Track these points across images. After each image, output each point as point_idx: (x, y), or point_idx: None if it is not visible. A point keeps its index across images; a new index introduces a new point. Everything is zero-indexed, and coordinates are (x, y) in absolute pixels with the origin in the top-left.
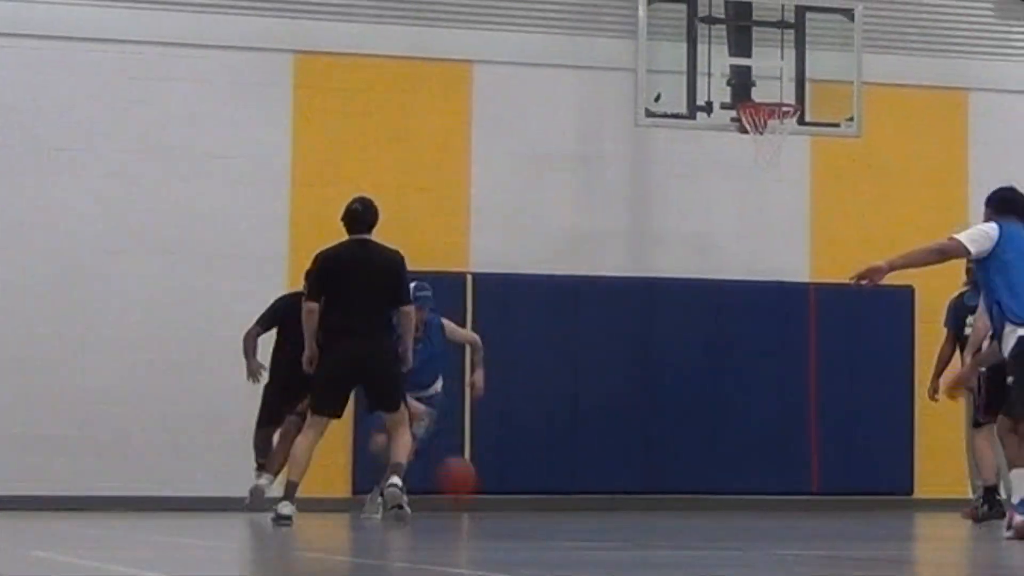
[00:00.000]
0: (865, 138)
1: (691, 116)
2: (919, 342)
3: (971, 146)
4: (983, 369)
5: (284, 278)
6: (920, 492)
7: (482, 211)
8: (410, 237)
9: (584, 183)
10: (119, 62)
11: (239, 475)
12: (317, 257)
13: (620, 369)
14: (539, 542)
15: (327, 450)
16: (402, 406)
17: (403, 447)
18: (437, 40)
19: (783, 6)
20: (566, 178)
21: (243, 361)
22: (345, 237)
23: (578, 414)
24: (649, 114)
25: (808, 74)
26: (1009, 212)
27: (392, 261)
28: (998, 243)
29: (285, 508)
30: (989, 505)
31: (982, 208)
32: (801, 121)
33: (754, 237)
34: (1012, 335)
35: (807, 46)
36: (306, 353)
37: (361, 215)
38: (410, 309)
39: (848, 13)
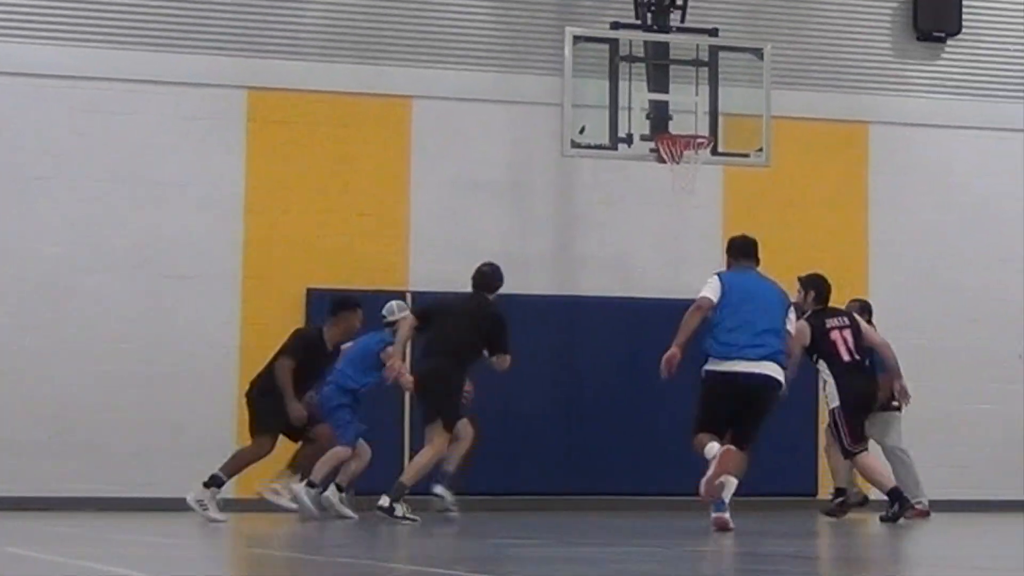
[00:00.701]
0: (773, 167)
1: (613, 147)
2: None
3: (870, 175)
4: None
5: (238, 296)
6: (823, 493)
7: (420, 234)
8: (354, 258)
9: (514, 208)
10: (90, 98)
11: (200, 477)
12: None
13: (546, 380)
14: (474, 539)
15: (277, 449)
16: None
17: (429, 454)
18: (379, 77)
19: (698, 46)
20: (498, 204)
21: (202, 370)
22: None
23: (508, 421)
24: (574, 145)
25: (721, 108)
26: (742, 257)
27: (495, 314)
28: (721, 290)
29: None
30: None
31: (881, 231)
32: (714, 152)
33: (670, 259)
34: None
35: (720, 83)
36: (394, 364)
37: (489, 276)
38: (507, 357)
39: (758, 52)
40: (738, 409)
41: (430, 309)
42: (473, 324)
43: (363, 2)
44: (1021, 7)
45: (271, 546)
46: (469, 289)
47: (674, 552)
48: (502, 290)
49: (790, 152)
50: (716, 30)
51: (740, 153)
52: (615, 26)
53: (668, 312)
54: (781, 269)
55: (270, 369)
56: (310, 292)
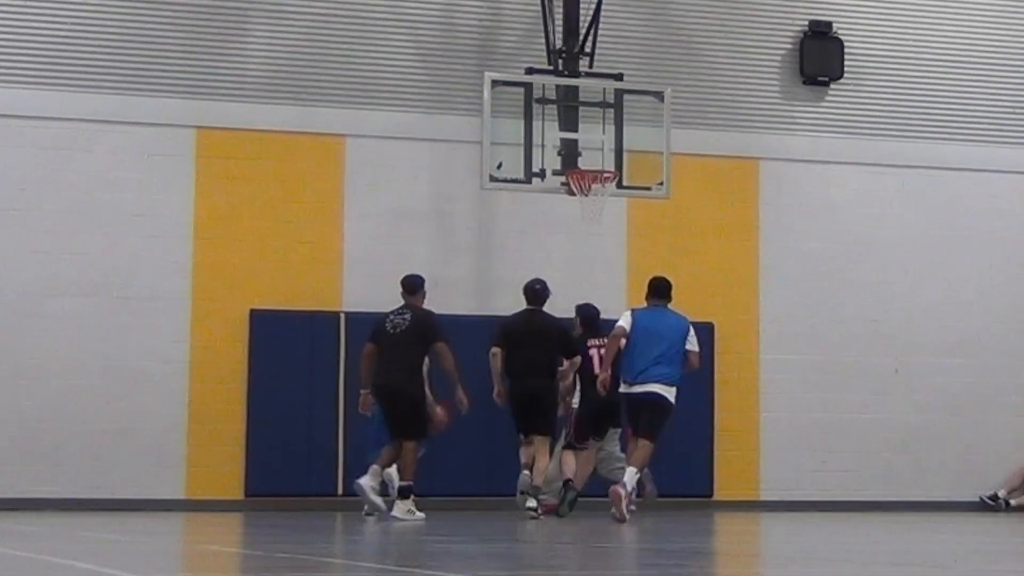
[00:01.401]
0: (673, 199)
1: (528, 181)
2: (718, 370)
3: (760, 207)
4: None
5: (187, 316)
6: (719, 495)
7: (353, 260)
8: (293, 282)
9: (438, 237)
10: (53, 136)
11: (152, 480)
12: (501, 322)
13: (470, 385)
14: (399, 536)
15: (223, 456)
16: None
17: (541, 468)
18: (316, 118)
19: (604, 89)
20: (423, 232)
21: (154, 383)
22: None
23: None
24: (492, 179)
25: (625, 146)
26: (655, 296)
27: (550, 327)
28: (632, 323)
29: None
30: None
31: (770, 258)
32: (619, 185)
33: (579, 282)
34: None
35: (624, 122)
36: (495, 388)
37: (540, 292)
38: (577, 359)
39: (658, 95)
40: (641, 416)
41: (507, 336)
42: (548, 339)
43: (301, 49)
44: (896, 55)
45: (222, 543)
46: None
47: (578, 549)
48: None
49: (688, 186)
50: (621, 75)
51: (642, 186)
52: (530, 71)
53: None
54: (679, 292)
55: (418, 365)
56: (253, 313)
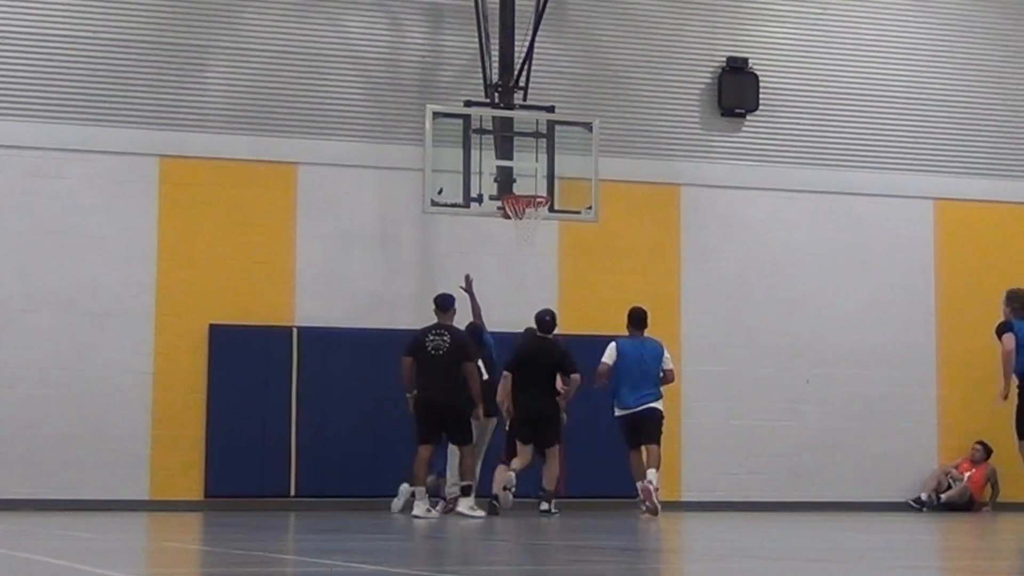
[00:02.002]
0: (601, 223)
1: (466, 205)
2: None
3: (682, 230)
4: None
5: (151, 331)
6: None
7: (305, 279)
8: (249, 299)
9: (383, 257)
10: (27, 164)
11: (120, 482)
12: (517, 345)
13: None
14: (347, 534)
15: (184, 459)
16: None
17: (552, 473)
18: (270, 147)
19: (537, 120)
20: (370, 253)
21: (120, 393)
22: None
23: (380, 434)
24: (433, 204)
25: (557, 173)
26: (634, 326)
27: (556, 350)
28: (617, 354)
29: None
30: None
31: (691, 278)
32: (551, 209)
33: (515, 299)
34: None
35: (556, 151)
36: (505, 405)
37: (549, 323)
38: (577, 377)
39: (587, 126)
40: (640, 430)
41: (518, 360)
42: (553, 362)
43: (257, 83)
44: (807, 89)
45: (184, 541)
46: (354, 325)
47: (516, 545)
48: (373, 325)
49: (615, 210)
50: (552, 107)
51: (572, 211)
52: (468, 104)
53: (511, 342)
54: (606, 310)
55: (460, 380)
56: (212, 327)
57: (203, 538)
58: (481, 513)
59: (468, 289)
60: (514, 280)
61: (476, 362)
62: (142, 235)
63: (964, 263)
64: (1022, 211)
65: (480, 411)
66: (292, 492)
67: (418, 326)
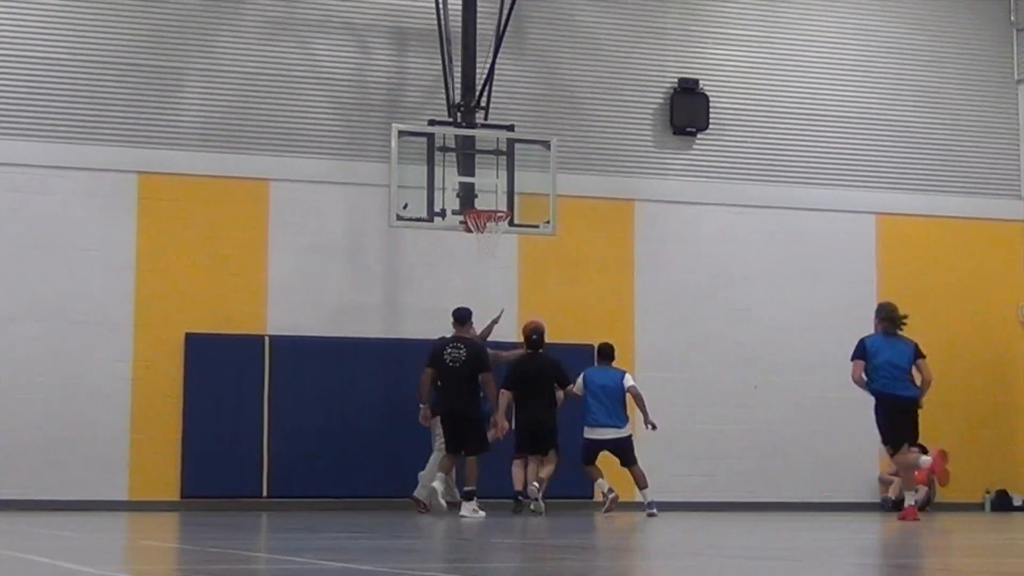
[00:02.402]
0: (558, 236)
1: (430, 219)
2: None
3: (636, 243)
4: None
5: (130, 339)
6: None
7: (277, 289)
8: (223, 309)
9: (351, 269)
10: (13, 180)
11: (99, 482)
12: (512, 362)
13: (378, 404)
14: (317, 533)
15: (161, 462)
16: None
17: (547, 472)
18: (243, 164)
19: (498, 139)
20: (338, 265)
21: (100, 398)
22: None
23: (348, 437)
24: (399, 218)
25: (516, 188)
26: (602, 358)
27: (549, 366)
28: (584, 383)
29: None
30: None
31: (645, 289)
32: (511, 223)
33: (477, 309)
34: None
35: (515, 168)
36: (500, 423)
37: (537, 341)
38: (569, 387)
39: (546, 144)
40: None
41: (514, 377)
42: (548, 376)
43: (231, 103)
44: (755, 109)
45: (161, 539)
46: (323, 333)
47: (480, 543)
48: (342, 334)
49: (572, 224)
50: (512, 126)
51: (531, 224)
52: (432, 123)
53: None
54: (564, 319)
55: (476, 391)
56: (188, 335)
57: (180, 537)
58: (482, 514)
59: (495, 321)
60: (476, 291)
61: (492, 372)
62: (122, 247)
63: (904, 275)
64: (958, 225)
65: (499, 417)
66: (264, 493)
67: (384, 335)
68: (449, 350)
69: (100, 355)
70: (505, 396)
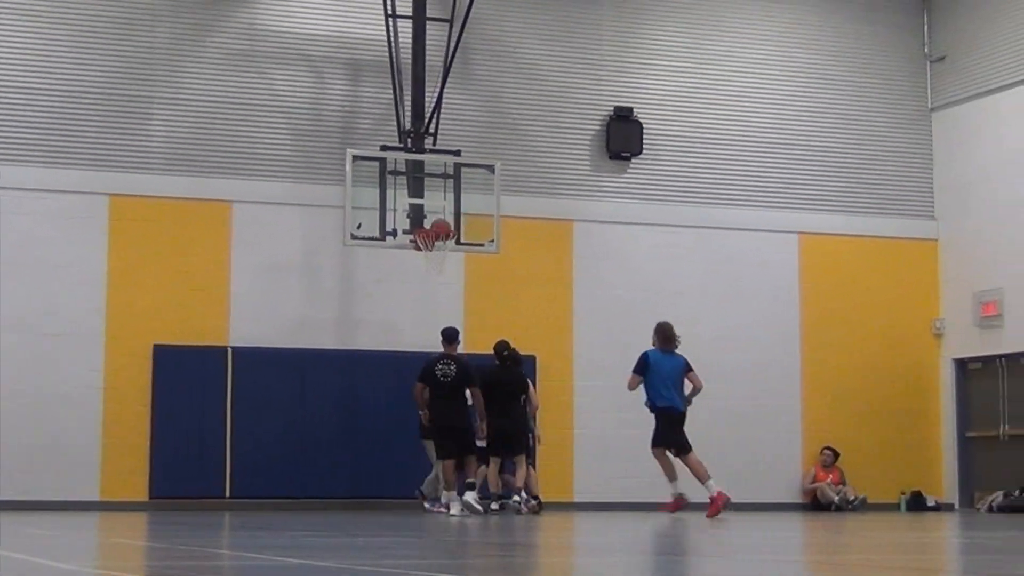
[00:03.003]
0: (502, 255)
1: (382, 239)
2: (540, 394)
3: (574, 261)
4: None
5: (101, 350)
6: (542, 497)
7: (239, 304)
8: (188, 322)
9: (308, 285)
10: None
11: (74, 486)
12: (486, 372)
13: (334, 411)
14: (276, 531)
15: (131, 465)
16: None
17: (521, 476)
18: (207, 187)
19: (445, 163)
20: (296, 281)
21: (74, 405)
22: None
23: (306, 442)
24: (353, 238)
25: (463, 209)
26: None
27: (520, 377)
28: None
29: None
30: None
31: (583, 304)
32: (457, 242)
33: (424, 322)
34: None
35: (462, 190)
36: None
37: (505, 353)
38: (536, 397)
39: (490, 168)
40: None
41: (489, 383)
42: (520, 387)
43: (195, 129)
44: (686, 135)
45: (131, 537)
46: (282, 345)
47: (425, 542)
48: (299, 345)
49: (514, 243)
50: (459, 151)
51: (477, 243)
52: (384, 148)
53: (420, 361)
54: (507, 331)
55: (465, 402)
56: (156, 347)
57: (149, 535)
58: (480, 508)
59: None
60: (425, 305)
61: (478, 385)
62: (93, 265)
63: (824, 290)
64: (876, 244)
65: (484, 425)
66: (227, 494)
67: (339, 347)
68: (440, 366)
69: (74, 365)
70: (480, 400)
